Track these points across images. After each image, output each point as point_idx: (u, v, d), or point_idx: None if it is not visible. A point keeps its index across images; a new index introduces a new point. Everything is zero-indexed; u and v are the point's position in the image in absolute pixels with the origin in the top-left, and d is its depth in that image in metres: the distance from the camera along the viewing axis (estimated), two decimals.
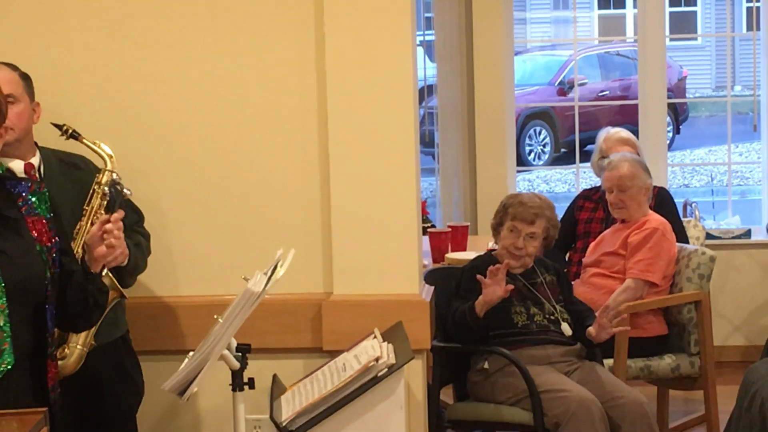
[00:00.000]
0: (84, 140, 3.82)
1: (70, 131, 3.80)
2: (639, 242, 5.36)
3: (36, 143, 3.86)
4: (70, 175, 3.83)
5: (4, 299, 2.96)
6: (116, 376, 3.89)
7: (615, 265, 5.42)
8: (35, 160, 3.81)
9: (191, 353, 3.44)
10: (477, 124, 7.56)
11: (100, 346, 3.74)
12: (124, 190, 3.74)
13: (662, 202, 5.84)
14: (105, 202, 3.76)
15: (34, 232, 3.08)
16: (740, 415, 4.30)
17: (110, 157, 3.80)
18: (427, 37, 8.07)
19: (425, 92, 8.28)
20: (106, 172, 3.79)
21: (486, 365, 4.62)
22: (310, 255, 4.11)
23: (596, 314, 4.76)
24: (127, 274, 3.83)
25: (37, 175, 3.78)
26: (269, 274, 3.41)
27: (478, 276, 4.45)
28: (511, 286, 4.45)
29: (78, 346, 3.65)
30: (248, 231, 4.15)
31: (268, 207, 4.14)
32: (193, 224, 4.16)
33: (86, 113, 4.09)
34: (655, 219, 5.46)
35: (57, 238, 3.13)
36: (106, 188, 3.77)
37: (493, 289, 4.43)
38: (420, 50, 7.83)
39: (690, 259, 5.39)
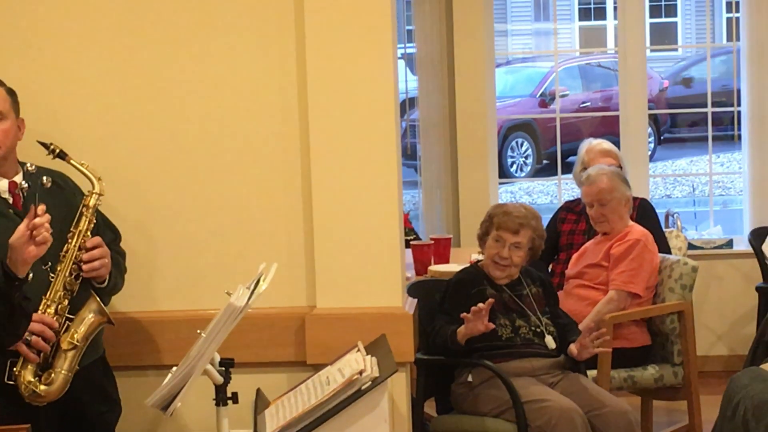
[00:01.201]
0: (71, 161, 3.77)
1: (57, 150, 3.75)
2: (621, 254, 5.37)
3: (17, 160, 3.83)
4: (51, 193, 3.80)
5: None
6: (97, 396, 3.85)
7: (598, 276, 5.43)
8: (18, 178, 3.77)
9: (174, 368, 3.43)
10: (459, 136, 7.57)
11: (81, 367, 3.71)
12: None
13: (644, 213, 5.85)
14: (92, 225, 3.74)
15: None
16: (723, 424, 4.31)
17: (99, 179, 3.77)
18: (409, 50, 8.08)
19: (407, 105, 8.30)
20: (94, 195, 3.76)
21: (470, 378, 4.62)
22: (293, 269, 4.10)
23: (579, 326, 4.77)
24: (105, 293, 3.82)
25: (20, 193, 3.75)
26: (252, 288, 3.41)
27: (463, 314, 4.43)
28: (491, 325, 4.44)
29: (63, 372, 3.62)
30: (231, 245, 4.14)
31: (251, 221, 4.14)
32: (175, 238, 4.15)
33: (64, 128, 4.06)
34: (637, 230, 5.48)
35: None
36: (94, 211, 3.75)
37: (475, 324, 4.42)
38: (401, 63, 7.85)
39: (672, 270, 5.40)
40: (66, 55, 4.12)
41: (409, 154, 8.08)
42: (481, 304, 4.39)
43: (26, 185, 3.61)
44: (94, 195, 3.75)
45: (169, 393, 3.40)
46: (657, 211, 6.06)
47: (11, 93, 3.78)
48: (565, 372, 4.69)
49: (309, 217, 4.07)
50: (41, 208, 3.25)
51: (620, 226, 5.48)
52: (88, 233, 3.71)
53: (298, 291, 4.12)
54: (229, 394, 3.55)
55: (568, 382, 4.62)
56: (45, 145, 3.76)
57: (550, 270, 6.00)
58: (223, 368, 3.54)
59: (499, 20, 19.51)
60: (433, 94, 7.63)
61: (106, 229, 3.90)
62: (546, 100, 15.20)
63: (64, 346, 3.61)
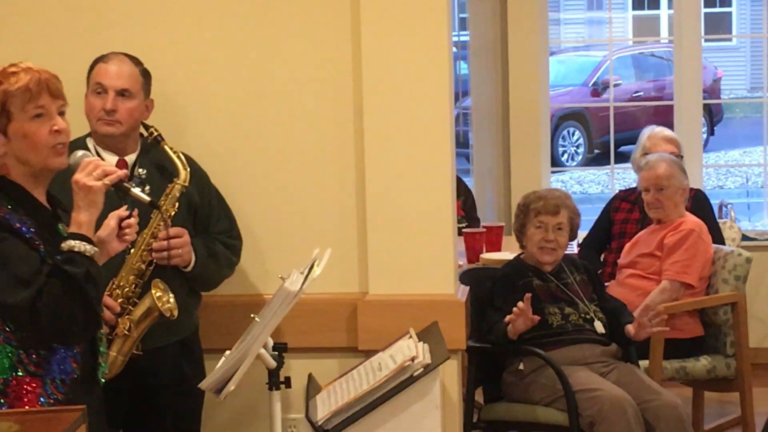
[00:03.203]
0: (165, 145, 3.82)
1: (155, 134, 3.81)
2: (675, 243, 5.34)
3: (142, 138, 3.88)
4: (163, 176, 3.83)
5: None
6: (169, 377, 3.85)
7: (651, 266, 5.40)
8: (131, 158, 3.83)
9: (228, 352, 3.46)
10: (511, 124, 7.55)
11: (151, 350, 3.72)
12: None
13: (699, 203, 5.81)
14: (172, 214, 3.74)
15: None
16: None
17: (186, 169, 3.79)
18: (462, 38, 8.07)
19: (459, 93, 8.29)
20: (177, 185, 3.77)
21: (521, 366, 4.61)
22: (346, 255, 4.11)
23: (633, 314, 4.75)
24: (193, 279, 3.84)
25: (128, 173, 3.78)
26: (306, 273, 3.43)
27: (507, 317, 4.42)
28: (537, 318, 4.43)
29: (117, 356, 3.62)
30: (285, 231, 4.16)
31: (305, 207, 4.15)
32: None
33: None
34: (691, 220, 5.44)
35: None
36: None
37: (521, 320, 4.42)
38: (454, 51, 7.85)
39: (726, 261, 5.37)
40: (125, 42, 4.13)
41: (461, 142, 8.05)
42: (521, 303, 4.37)
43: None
44: (177, 185, 3.77)
45: (223, 376, 3.42)
46: (710, 201, 6.02)
47: (144, 74, 3.86)
48: (618, 362, 4.67)
49: (362, 203, 4.08)
50: (134, 211, 3.29)
51: (674, 214, 5.45)
52: (159, 224, 3.71)
53: (350, 277, 4.14)
54: (281, 379, 3.57)
55: (620, 373, 4.60)
56: (146, 127, 3.82)
57: (602, 259, 5.97)
58: (276, 353, 3.57)
59: (552, 9, 19.39)
60: (486, 83, 7.61)
61: (223, 218, 3.95)
62: (598, 90, 15.10)
63: (119, 331, 3.64)
